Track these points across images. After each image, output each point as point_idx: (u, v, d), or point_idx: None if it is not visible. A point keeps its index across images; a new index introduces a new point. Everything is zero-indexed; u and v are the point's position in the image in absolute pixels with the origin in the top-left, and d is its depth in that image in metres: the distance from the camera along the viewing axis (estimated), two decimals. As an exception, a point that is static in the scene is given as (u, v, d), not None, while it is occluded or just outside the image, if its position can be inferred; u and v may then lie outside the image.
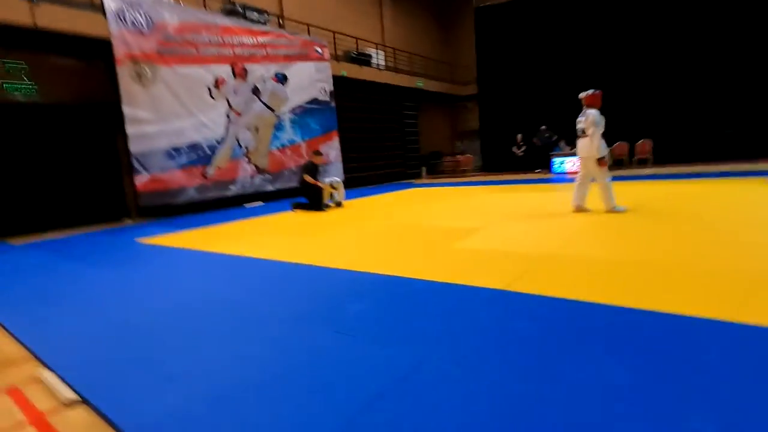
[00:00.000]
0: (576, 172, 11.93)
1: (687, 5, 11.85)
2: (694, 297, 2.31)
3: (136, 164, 8.88)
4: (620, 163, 12.17)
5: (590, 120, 5.03)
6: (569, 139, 13.69)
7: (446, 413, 1.45)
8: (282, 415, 1.51)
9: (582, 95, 5.25)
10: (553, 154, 12.99)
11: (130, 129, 8.75)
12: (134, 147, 8.82)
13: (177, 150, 9.51)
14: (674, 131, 12.18)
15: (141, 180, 8.94)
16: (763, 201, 5.24)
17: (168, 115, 9.35)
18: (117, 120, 9.03)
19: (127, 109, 8.68)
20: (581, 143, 5.27)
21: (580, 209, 5.39)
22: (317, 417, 1.49)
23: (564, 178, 11.40)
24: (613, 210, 5.13)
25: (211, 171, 10.16)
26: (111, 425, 1.58)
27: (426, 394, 1.58)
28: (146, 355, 2.15)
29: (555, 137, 13.63)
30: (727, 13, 11.27)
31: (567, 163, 12.54)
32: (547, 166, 13.19)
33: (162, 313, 2.78)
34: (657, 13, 12.35)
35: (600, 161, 5.06)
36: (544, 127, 13.67)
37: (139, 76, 8.87)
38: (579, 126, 5.27)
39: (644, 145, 11.92)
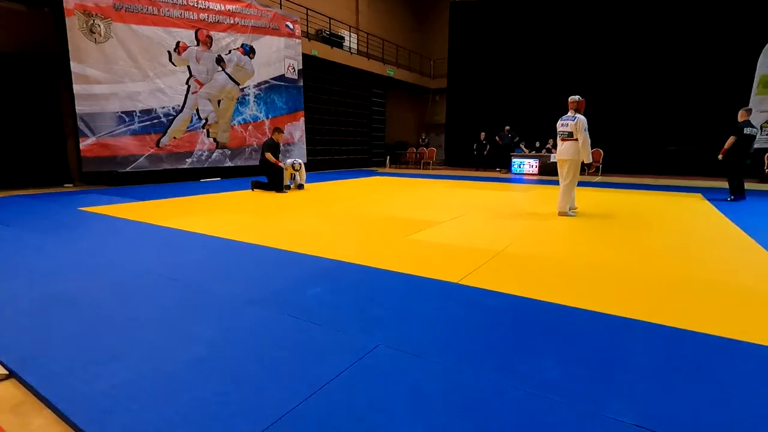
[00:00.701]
0: (535, 174, 12.40)
1: (645, 33, 12.53)
2: (627, 299, 2.50)
3: (81, 126, 8.27)
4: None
5: (580, 125, 5.19)
6: (528, 141, 14.26)
7: (395, 399, 1.50)
8: (230, 398, 1.50)
9: (573, 98, 5.36)
10: (513, 155, 13.44)
11: (77, 87, 8.12)
12: (80, 107, 8.21)
13: (129, 115, 8.95)
14: (622, 143, 12.93)
15: (86, 143, 8.35)
16: (699, 215, 5.70)
17: (121, 76, 8.75)
18: (62, 75, 8.33)
19: (75, 65, 8.04)
20: (566, 145, 5.38)
21: (572, 210, 5.62)
22: (267, 399, 1.48)
23: (522, 179, 11.83)
24: (566, 213, 5.40)
25: (165, 141, 9.65)
26: (43, 401, 1.50)
27: (376, 380, 1.62)
28: (84, 330, 2.04)
29: (517, 138, 14.09)
30: (677, 44, 12.03)
31: (525, 165, 13.03)
32: (507, 166, 13.64)
33: (104, 288, 2.64)
34: (618, 35, 12.99)
35: (589, 166, 5.29)
36: (507, 127, 14.08)
37: (91, 31, 8.21)
38: (564, 129, 5.37)
39: (596, 154, 12.59)
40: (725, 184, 7.34)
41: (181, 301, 2.42)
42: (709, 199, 7.17)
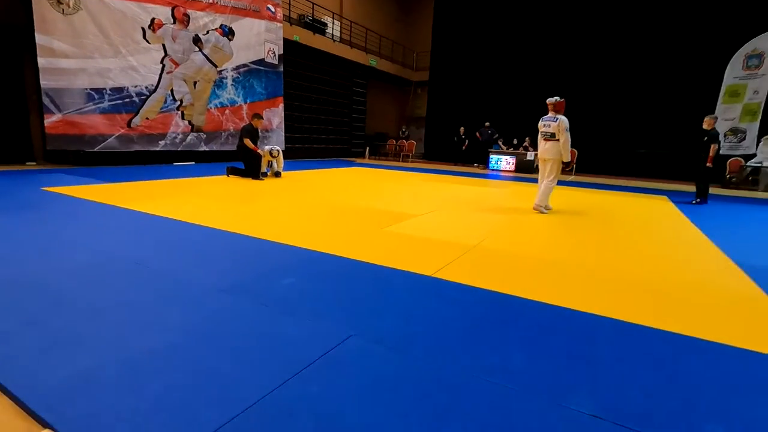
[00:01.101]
0: (512, 171, 12.60)
1: (622, 42, 12.86)
2: (593, 296, 2.59)
3: (46, 101, 7.88)
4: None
5: (563, 126, 5.30)
6: (506, 138, 14.48)
7: (365, 390, 1.51)
8: (197, 387, 1.48)
9: (551, 100, 5.45)
10: (491, 151, 13.62)
11: (41, 60, 7.72)
12: (46, 81, 7.81)
13: (99, 92, 8.57)
14: (595, 145, 13.28)
15: (51, 120, 7.96)
16: (664, 216, 5.94)
17: (91, 51, 8.36)
18: (27, 47, 7.88)
19: (40, 37, 7.63)
20: (548, 145, 5.50)
21: (546, 208, 5.72)
22: (235, 389, 1.47)
23: (498, 175, 12.02)
24: (540, 210, 5.54)
25: (137, 121, 9.31)
26: (-2, 389, 1.44)
27: (347, 370, 1.63)
28: (44, 315, 1.96)
29: (496, 135, 14.28)
30: (652, 53, 12.41)
31: (502, 162, 13.23)
32: (484, 162, 13.82)
33: (67, 272, 2.54)
34: (596, 42, 13.31)
35: (567, 165, 5.50)
36: (487, 123, 14.24)
37: (59, 1, 7.79)
38: (546, 130, 5.47)
39: (571, 154, 12.88)
40: (688, 188, 7.65)
41: (149, 287, 2.36)
42: (674, 202, 7.48)
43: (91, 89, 8.43)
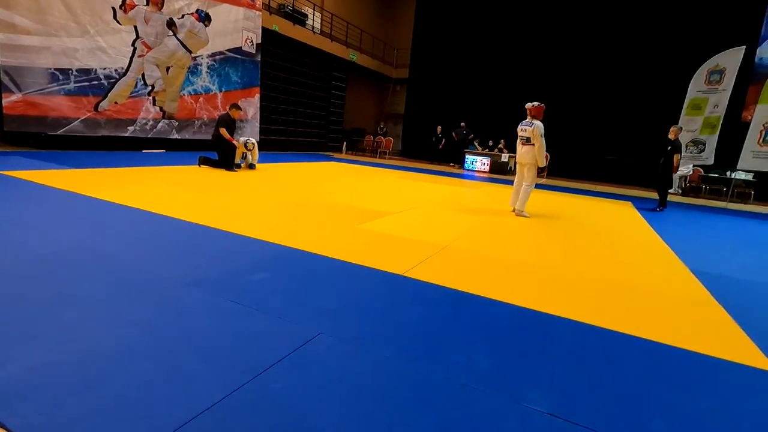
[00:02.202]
0: (486, 172, 12.80)
1: (596, 54, 13.29)
2: (557, 297, 2.69)
3: (5, 80, 7.47)
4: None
5: (538, 131, 5.40)
6: (482, 140, 14.71)
7: (331, 389, 1.53)
8: (161, 385, 1.46)
9: (529, 105, 5.54)
10: (467, 151, 13.81)
11: (1, 36, 7.28)
12: (5, 58, 7.40)
13: (64, 72, 8.18)
14: (566, 149, 13.68)
15: (10, 100, 7.55)
16: (629, 222, 6.20)
17: (56, 29, 7.96)
18: (-16, 21, 7.42)
19: (0, 11, 7.18)
20: (525, 150, 5.61)
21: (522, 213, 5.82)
22: (200, 387, 1.46)
23: (473, 175, 12.21)
24: (520, 213, 5.66)
25: (105, 105, 8.94)
26: (-55, 385, 1.38)
27: (315, 369, 1.64)
28: None
29: (472, 135, 14.48)
30: (623, 64, 12.88)
31: (477, 162, 13.45)
32: (460, 162, 14.00)
33: (25, 262, 2.44)
34: (571, 51, 13.74)
35: (542, 170, 5.56)
36: (463, 123, 14.42)
37: (22, -26, 7.37)
38: (523, 134, 5.57)
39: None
40: (651, 195, 8.01)
41: (113, 280, 2.29)
42: (637, 208, 7.81)
43: (55, 69, 8.03)
